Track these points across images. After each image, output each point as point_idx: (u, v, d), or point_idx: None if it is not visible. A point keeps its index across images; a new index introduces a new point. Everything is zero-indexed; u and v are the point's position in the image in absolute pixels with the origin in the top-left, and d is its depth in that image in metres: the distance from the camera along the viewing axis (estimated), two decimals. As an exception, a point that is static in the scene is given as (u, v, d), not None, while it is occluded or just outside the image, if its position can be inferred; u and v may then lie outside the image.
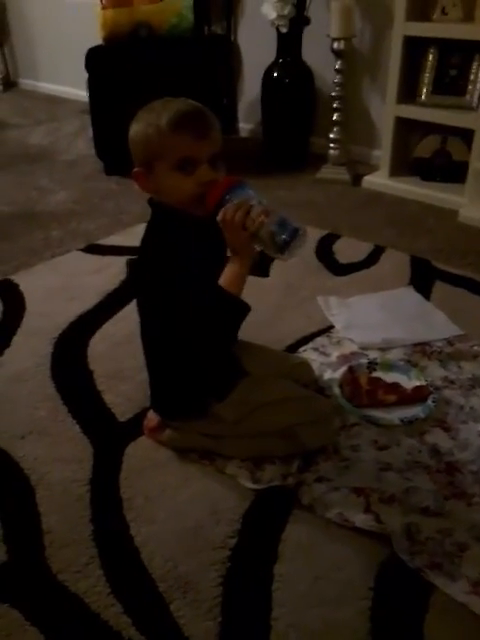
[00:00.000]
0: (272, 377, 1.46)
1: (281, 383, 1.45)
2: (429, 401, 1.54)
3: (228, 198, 1.13)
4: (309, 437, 1.36)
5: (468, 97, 2.65)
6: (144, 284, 1.30)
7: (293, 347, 1.77)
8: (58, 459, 1.40)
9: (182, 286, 1.16)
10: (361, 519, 1.23)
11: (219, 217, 1.13)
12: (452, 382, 1.62)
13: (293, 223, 1.12)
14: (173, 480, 1.35)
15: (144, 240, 1.25)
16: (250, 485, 1.32)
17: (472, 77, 2.64)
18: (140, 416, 1.50)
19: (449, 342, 1.79)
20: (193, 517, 1.26)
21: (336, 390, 1.58)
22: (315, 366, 1.66)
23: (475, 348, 1.75)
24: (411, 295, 2.04)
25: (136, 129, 1.19)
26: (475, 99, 2.61)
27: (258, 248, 1.17)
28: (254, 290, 2.03)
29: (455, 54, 2.67)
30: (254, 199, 1.14)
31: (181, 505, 1.29)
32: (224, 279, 1.16)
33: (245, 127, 3.64)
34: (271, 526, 1.24)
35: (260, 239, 1.13)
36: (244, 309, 1.17)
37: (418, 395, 1.56)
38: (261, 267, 2.19)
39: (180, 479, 1.35)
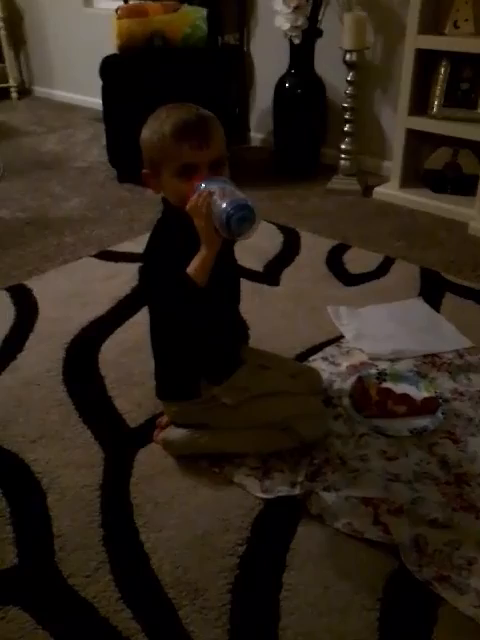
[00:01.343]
0: (270, 370, 1.50)
1: (278, 376, 1.50)
2: (438, 413, 1.54)
3: (201, 188, 1.16)
4: (305, 429, 1.41)
5: (479, 110, 2.66)
6: (142, 273, 1.34)
7: (303, 356, 1.78)
8: (69, 464, 1.42)
9: (161, 277, 1.23)
10: (370, 530, 1.23)
11: (187, 205, 1.17)
12: (462, 394, 1.62)
13: (243, 200, 1.13)
14: (183, 487, 1.36)
15: (150, 234, 1.32)
16: (259, 494, 1.33)
17: (483, 91, 2.65)
18: (151, 422, 1.51)
19: (459, 354, 1.79)
20: (202, 524, 1.27)
21: (346, 400, 1.59)
22: (325, 376, 1.67)
23: (485, 361, 1.75)
24: (421, 306, 2.05)
25: (144, 134, 1.25)
26: (485, 113, 2.62)
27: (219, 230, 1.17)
28: (264, 300, 2.06)
29: (467, 67, 2.68)
30: (223, 187, 1.16)
31: (190, 512, 1.30)
32: (191, 264, 1.19)
33: (257, 137, 3.66)
34: (280, 535, 1.24)
35: (214, 218, 1.14)
36: (192, 286, 1.18)
37: (427, 406, 1.57)
38: (271, 277, 2.22)
39: (190, 486, 1.36)
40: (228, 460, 1.41)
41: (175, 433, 1.44)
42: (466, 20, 2.59)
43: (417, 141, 2.87)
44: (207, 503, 1.32)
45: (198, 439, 1.42)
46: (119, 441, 1.49)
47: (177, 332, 1.34)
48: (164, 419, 1.49)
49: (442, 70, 2.72)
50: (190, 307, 1.22)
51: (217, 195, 1.14)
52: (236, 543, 1.22)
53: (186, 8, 3.10)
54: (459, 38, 2.61)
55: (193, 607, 1.11)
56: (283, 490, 1.33)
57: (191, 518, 1.28)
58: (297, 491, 1.32)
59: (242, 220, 1.12)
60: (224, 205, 1.12)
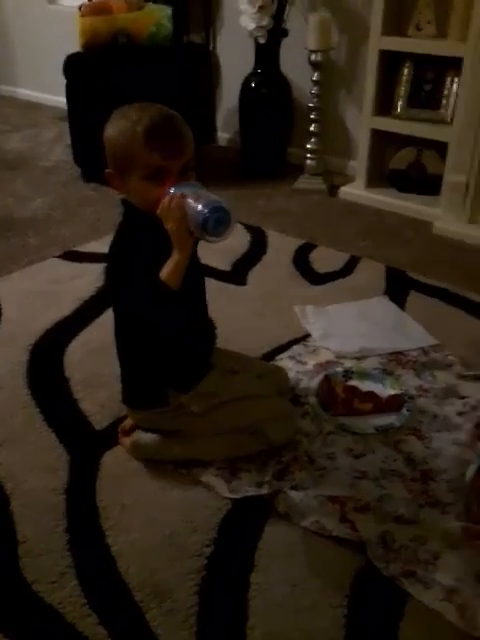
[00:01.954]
0: (239, 374, 1.50)
1: (247, 380, 1.50)
2: (404, 410, 1.56)
3: (172, 192, 1.16)
4: (274, 433, 1.40)
5: (442, 111, 2.70)
6: (109, 278, 1.32)
7: (269, 355, 1.78)
8: (34, 467, 1.39)
9: (133, 283, 1.21)
10: (337, 528, 1.24)
11: (159, 209, 1.16)
12: (427, 391, 1.64)
13: (218, 202, 1.14)
14: (150, 489, 1.35)
15: (113, 237, 1.29)
16: (226, 494, 1.32)
17: (446, 91, 2.68)
18: (117, 424, 1.50)
19: (424, 351, 1.81)
20: (169, 526, 1.26)
21: (312, 399, 1.59)
22: (291, 375, 1.67)
23: (449, 357, 1.78)
24: (387, 305, 2.07)
25: (111, 133, 1.21)
26: (449, 113, 2.66)
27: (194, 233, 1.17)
28: (231, 299, 2.06)
29: (430, 69, 2.71)
30: (196, 191, 1.16)
31: (157, 514, 1.29)
32: (164, 269, 1.18)
33: (223, 136, 3.65)
34: (247, 534, 1.24)
35: (189, 221, 1.14)
36: (166, 291, 1.17)
37: (393, 404, 1.58)
38: (238, 276, 2.22)
39: (157, 488, 1.35)
40: (195, 461, 1.40)
41: (145, 437, 1.42)
42: (428, 22, 2.62)
43: (382, 141, 2.90)
44: (174, 504, 1.31)
45: (168, 448, 1.41)
46: (85, 444, 1.47)
47: (147, 337, 1.32)
48: (128, 423, 1.47)
49: (406, 71, 2.75)
50: (165, 311, 1.20)
51: (191, 198, 1.14)
52: (203, 544, 1.22)
53: (151, 6, 3.08)
54: (422, 40, 2.64)
55: (160, 610, 1.10)
56: (250, 490, 1.33)
57: (158, 520, 1.27)
58: (264, 490, 1.32)
59: (219, 222, 1.13)
60: (200, 207, 1.12)
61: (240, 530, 1.25)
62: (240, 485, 1.34)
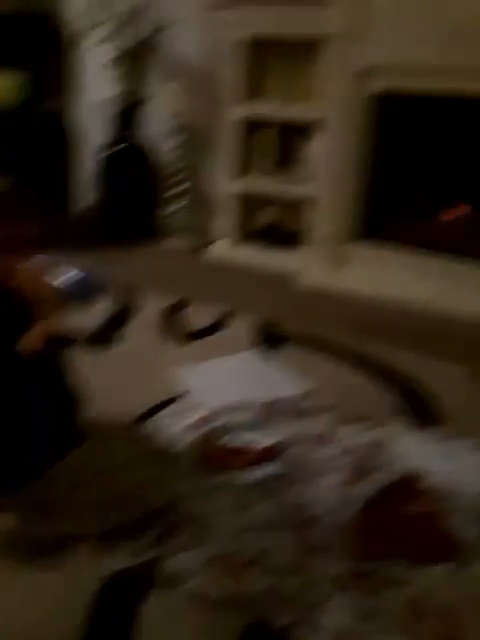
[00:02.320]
0: (109, 442, 1.41)
1: (119, 446, 1.41)
2: (281, 459, 1.54)
3: (34, 262, 1.16)
4: (150, 498, 1.33)
5: (302, 171, 2.84)
6: None
7: (145, 417, 1.72)
8: None
9: None
10: (222, 586, 1.18)
11: (19, 280, 1.13)
12: (302, 438, 1.64)
13: (84, 270, 1.16)
14: (4, 578, 1.19)
15: None
16: (99, 570, 1.21)
17: (304, 152, 2.84)
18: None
19: (299, 399, 1.82)
20: (31, 616, 1.12)
21: (188, 457, 1.54)
22: (168, 434, 1.61)
23: (324, 403, 1.80)
24: (259, 357, 2.09)
25: None
26: (308, 172, 2.81)
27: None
28: (99, 363, 1.98)
29: (288, 132, 2.87)
30: (56, 262, 1.17)
31: (16, 605, 1.14)
32: (24, 337, 1.13)
33: (81, 203, 3.58)
34: (127, 607, 1.14)
35: (55, 290, 1.14)
36: (27, 359, 1.14)
37: (270, 454, 1.56)
38: (107, 338, 2.15)
39: (13, 576, 1.20)
40: (64, 539, 1.27)
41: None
42: (284, 88, 2.78)
43: (247, 200, 3.00)
44: (36, 592, 1.16)
45: (31, 529, 1.28)
46: None
47: (4, 410, 1.22)
48: None
49: (264, 134, 2.89)
50: (24, 380, 1.16)
51: (56, 268, 1.14)
52: (74, 627, 1.09)
53: (3, 73, 3.03)
54: (279, 105, 2.78)
55: None
56: (127, 560, 1.23)
57: (18, 612, 1.13)
58: (143, 558, 1.23)
59: (86, 289, 1.15)
60: (66, 275, 1.12)
61: (118, 604, 1.15)
62: (117, 557, 1.24)
